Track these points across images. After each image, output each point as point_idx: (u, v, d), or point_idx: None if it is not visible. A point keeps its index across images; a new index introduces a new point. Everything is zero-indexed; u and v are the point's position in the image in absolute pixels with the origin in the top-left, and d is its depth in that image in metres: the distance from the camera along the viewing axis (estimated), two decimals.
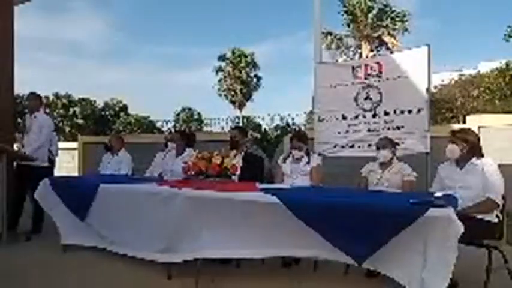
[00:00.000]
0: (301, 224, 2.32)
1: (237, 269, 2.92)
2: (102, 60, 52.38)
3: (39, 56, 50.06)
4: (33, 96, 4.30)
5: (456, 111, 12.57)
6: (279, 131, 5.45)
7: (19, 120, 4.32)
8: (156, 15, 55.93)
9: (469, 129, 2.90)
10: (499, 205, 2.50)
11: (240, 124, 13.04)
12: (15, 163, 4.25)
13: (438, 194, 2.40)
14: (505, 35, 10.23)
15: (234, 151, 3.78)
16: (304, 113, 15.15)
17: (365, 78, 4.05)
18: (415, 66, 3.74)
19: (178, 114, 25.22)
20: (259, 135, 5.41)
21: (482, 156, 2.66)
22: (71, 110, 23.26)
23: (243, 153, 3.83)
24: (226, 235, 2.59)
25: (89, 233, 3.34)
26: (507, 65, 12.02)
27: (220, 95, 27.04)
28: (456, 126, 4.36)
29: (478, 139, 2.73)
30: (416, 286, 2.03)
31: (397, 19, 18.11)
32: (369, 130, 4.00)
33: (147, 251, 2.90)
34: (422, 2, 40.36)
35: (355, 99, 4.09)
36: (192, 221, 2.68)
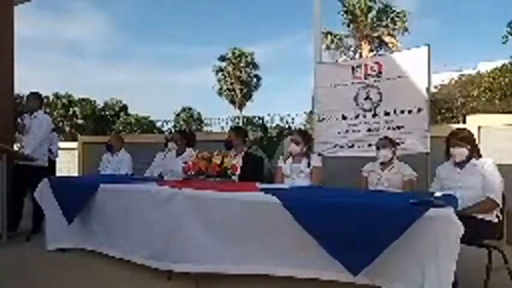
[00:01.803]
0: (299, 228, 2.30)
1: None
2: (102, 60, 52.41)
3: (40, 56, 50.12)
4: (34, 96, 4.29)
5: (456, 111, 12.57)
6: (280, 132, 5.46)
7: (19, 120, 4.28)
8: (156, 15, 56.03)
9: (464, 129, 2.91)
10: (498, 205, 2.50)
11: (240, 124, 13.04)
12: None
13: (438, 194, 2.40)
14: (502, 37, 10.25)
15: (234, 151, 3.79)
16: (304, 113, 15.17)
17: (365, 78, 4.05)
18: (415, 66, 3.74)
19: (178, 114, 25.26)
20: (260, 134, 5.40)
21: (480, 156, 2.66)
22: (71, 110, 23.28)
23: (242, 153, 3.83)
24: (224, 244, 2.57)
25: (83, 237, 3.33)
26: (507, 64, 12.03)
27: (220, 94, 27.07)
28: (456, 126, 4.36)
29: (475, 138, 2.74)
30: None
31: (397, 19, 18.12)
32: (369, 130, 4.00)
33: (143, 256, 2.88)
34: (422, 2, 40.38)
35: (355, 99, 4.09)
36: (191, 223, 2.66)
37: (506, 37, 10.05)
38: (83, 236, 3.34)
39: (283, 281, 2.61)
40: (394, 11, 18.27)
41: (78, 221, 3.33)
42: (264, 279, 2.62)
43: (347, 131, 4.13)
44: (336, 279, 2.29)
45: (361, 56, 17.65)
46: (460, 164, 2.68)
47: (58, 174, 6.46)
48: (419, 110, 3.71)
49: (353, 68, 4.14)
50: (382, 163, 3.28)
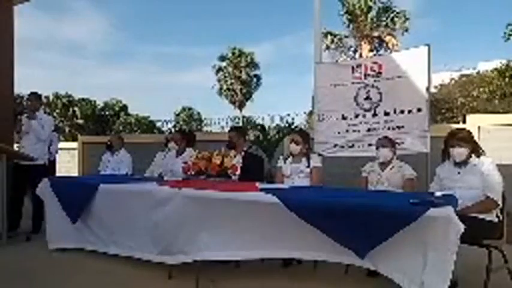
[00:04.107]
0: (302, 222, 2.32)
1: (236, 269, 2.92)
2: (102, 60, 52.43)
3: (39, 56, 50.14)
4: (34, 96, 4.31)
5: (456, 111, 12.59)
6: (279, 132, 5.47)
7: (23, 121, 4.30)
8: (156, 15, 56.09)
9: (464, 129, 2.91)
10: (498, 204, 2.50)
11: (240, 124, 13.06)
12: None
13: (438, 194, 2.40)
14: (504, 33, 10.25)
15: (234, 151, 3.79)
16: (304, 113, 15.20)
17: (364, 78, 4.05)
18: (415, 66, 3.74)
19: (178, 114, 25.30)
20: (260, 134, 5.40)
21: (480, 155, 2.66)
22: (71, 110, 23.28)
23: (242, 153, 3.82)
24: (226, 236, 2.58)
25: (83, 236, 3.32)
26: (507, 64, 12.03)
27: (220, 94, 27.06)
28: (456, 126, 4.36)
29: (475, 139, 2.74)
30: None
31: (397, 19, 18.12)
32: (368, 130, 3.99)
33: (146, 252, 2.89)
34: (422, 2, 40.41)
35: (355, 99, 4.08)
36: (191, 221, 2.67)
37: (509, 35, 10.04)
38: (82, 235, 3.33)
39: (282, 281, 2.62)
40: (394, 11, 18.27)
41: (78, 221, 3.32)
42: (265, 279, 2.63)
43: (347, 130, 4.13)
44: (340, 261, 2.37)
45: (361, 56, 17.64)
46: (460, 164, 2.68)
47: (58, 174, 6.46)
48: (419, 109, 3.71)
49: (353, 68, 4.14)
50: (382, 163, 3.28)
